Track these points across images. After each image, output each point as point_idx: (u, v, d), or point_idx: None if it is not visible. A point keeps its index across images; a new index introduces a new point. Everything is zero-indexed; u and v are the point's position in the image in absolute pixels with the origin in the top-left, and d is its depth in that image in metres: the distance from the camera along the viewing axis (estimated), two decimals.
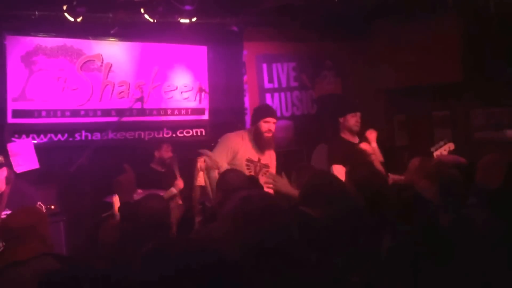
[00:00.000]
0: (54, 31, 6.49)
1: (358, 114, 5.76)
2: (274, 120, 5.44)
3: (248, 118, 8.07)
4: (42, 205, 4.73)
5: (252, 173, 5.29)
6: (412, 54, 7.92)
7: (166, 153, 6.46)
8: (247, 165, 5.37)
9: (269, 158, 5.59)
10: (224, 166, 5.02)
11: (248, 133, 5.52)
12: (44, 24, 6.34)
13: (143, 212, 3.68)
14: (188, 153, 6.16)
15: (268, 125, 5.39)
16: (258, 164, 5.45)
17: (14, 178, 5.07)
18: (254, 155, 5.44)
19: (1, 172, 5.02)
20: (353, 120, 5.71)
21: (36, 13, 6.08)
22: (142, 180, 5.75)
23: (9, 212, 4.90)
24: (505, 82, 7.31)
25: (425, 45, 7.79)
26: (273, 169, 5.55)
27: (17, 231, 3.27)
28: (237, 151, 5.35)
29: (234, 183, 3.92)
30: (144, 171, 6.24)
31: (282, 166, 5.31)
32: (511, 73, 7.13)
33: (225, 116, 7.10)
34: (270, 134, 5.41)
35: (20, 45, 6.34)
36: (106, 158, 6.34)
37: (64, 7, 6.03)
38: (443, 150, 5.42)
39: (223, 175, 4.24)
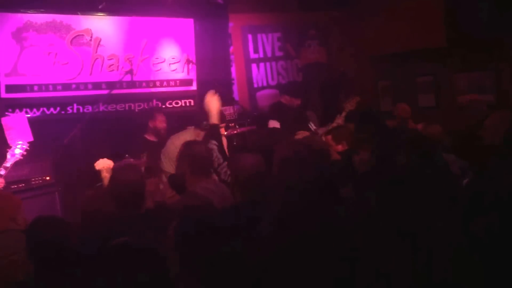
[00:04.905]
0: (43, 7, 6.61)
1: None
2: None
3: (235, 88, 8.28)
4: None
5: None
6: (396, 20, 8.09)
7: (160, 123, 6.44)
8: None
9: None
10: None
11: None
12: (33, 1, 6.47)
13: (117, 181, 3.64)
14: (177, 123, 6.38)
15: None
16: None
17: None
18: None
19: None
20: None
21: None
22: (134, 149, 5.89)
23: None
24: (488, 46, 7.52)
25: (409, 11, 7.96)
26: None
27: None
28: None
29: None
30: (137, 141, 6.36)
31: None
32: (493, 37, 7.33)
33: (212, 87, 7.21)
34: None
35: (10, 22, 6.44)
36: (98, 129, 6.51)
37: None
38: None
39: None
